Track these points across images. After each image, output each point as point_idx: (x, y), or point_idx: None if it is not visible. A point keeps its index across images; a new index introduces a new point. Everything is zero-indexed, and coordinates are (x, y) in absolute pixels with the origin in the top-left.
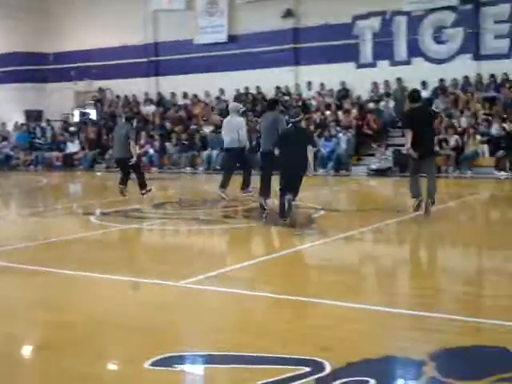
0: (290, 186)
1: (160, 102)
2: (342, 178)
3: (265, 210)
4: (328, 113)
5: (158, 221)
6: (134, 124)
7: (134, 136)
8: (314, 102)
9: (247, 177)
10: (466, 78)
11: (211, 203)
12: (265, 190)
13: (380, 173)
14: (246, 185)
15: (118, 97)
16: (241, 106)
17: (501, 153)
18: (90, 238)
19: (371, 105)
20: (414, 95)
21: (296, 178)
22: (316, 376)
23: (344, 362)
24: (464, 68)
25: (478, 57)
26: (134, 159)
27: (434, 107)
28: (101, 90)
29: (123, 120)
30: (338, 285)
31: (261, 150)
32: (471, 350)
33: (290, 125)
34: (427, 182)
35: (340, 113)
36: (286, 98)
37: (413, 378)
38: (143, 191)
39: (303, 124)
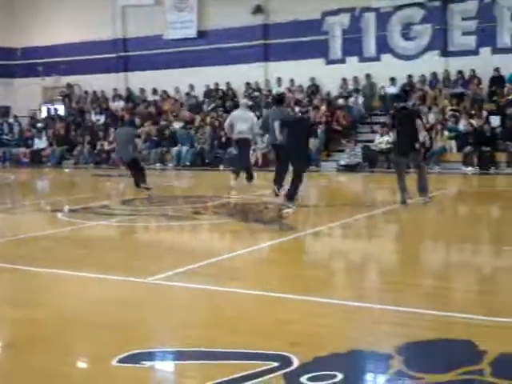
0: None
1: (129, 97)
2: (312, 174)
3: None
4: (297, 109)
5: (127, 217)
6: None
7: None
8: None
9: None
10: (434, 74)
11: (181, 199)
12: (279, 180)
13: (349, 168)
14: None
15: (86, 92)
16: (250, 102)
17: (468, 148)
18: (58, 234)
19: (340, 101)
20: (401, 95)
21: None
22: (284, 371)
23: (312, 356)
24: (432, 64)
25: (445, 53)
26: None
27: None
28: (69, 86)
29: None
30: (307, 280)
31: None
32: (438, 343)
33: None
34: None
35: (310, 109)
36: (256, 93)
37: (380, 371)
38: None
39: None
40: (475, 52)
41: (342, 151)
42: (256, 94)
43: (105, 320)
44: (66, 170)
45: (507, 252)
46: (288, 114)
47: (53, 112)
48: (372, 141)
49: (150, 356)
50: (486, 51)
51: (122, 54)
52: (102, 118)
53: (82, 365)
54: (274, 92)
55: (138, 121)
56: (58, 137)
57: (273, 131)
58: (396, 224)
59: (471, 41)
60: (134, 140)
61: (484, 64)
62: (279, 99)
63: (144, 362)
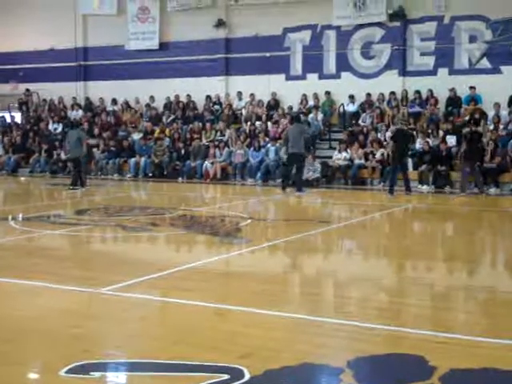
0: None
1: (88, 107)
2: (271, 188)
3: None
4: (258, 123)
5: (82, 227)
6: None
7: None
8: (244, 112)
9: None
10: (393, 93)
11: (138, 210)
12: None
13: (308, 183)
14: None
15: (44, 100)
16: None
17: (424, 167)
18: (10, 243)
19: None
20: (295, 117)
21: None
22: (235, 383)
23: (263, 369)
24: (391, 83)
25: (404, 73)
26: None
27: (360, 121)
28: (27, 94)
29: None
30: (261, 293)
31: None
32: (389, 358)
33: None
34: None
35: (269, 123)
36: (217, 107)
37: None
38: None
39: None
40: (433, 72)
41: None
42: (217, 107)
43: (54, 330)
44: (22, 178)
45: (458, 269)
46: (305, 130)
47: (9, 119)
48: (330, 157)
49: (99, 367)
50: (443, 72)
51: (83, 62)
52: (60, 127)
53: (29, 375)
54: (235, 105)
55: (96, 130)
56: (14, 144)
57: (292, 143)
58: (350, 239)
59: (429, 61)
60: (80, 141)
61: (441, 84)
62: (297, 117)
63: (93, 373)
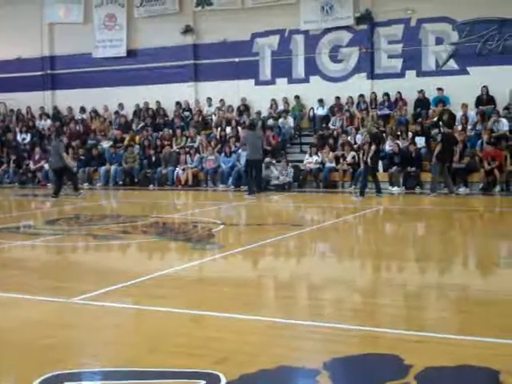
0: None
1: (56, 116)
2: (242, 194)
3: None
4: (228, 129)
5: (52, 237)
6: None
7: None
8: (214, 118)
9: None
10: (362, 96)
11: (108, 219)
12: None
13: (280, 188)
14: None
15: (11, 110)
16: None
17: (394, 169)
18: None
19: (270, 121)
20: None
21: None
22: None
23: (239, 373)
24: (359, 86)
25: (372, 76)
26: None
27: (330, 124)
28: None
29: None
30: (234, 298)
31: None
32: (365, 358)
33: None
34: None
35: (240, 129)
36: (187, 113)
37: None
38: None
39: None
40: (401, 75)
41: (268, 169)
42: (186, 113)
43: (27, 341)
44: None
45: (431, 268)
46: (260, 135)
47: None
48: (301, 161)
49: (73, 377)
50: (411, 74)
51: (50, 71)
52: (28, 137)
53: None
54: (205, 111)
55: (65, 139)
56: None
57: (251, 149)
58: (324, 242)
59: (397, 63)
60: (60, 152)
61: (409, 86)
62: (251, 124)
63: (67, 383)
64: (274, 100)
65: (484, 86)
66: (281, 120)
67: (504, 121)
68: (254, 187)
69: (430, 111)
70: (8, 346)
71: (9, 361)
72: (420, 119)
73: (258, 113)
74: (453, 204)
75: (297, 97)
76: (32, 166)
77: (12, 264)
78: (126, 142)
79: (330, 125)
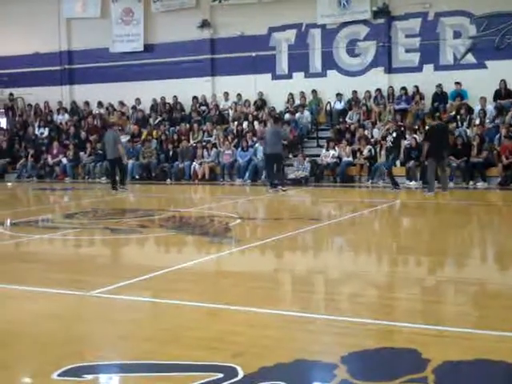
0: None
1: (74, 110)
2: (259, 188)
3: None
4: (245, 123)
5: (71, 230)
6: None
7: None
8: (231, 113)
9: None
10: (379, 90)
11: (127, 212)
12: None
13: (297, 182)
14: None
15: (29, 105)
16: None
17: (412, 163)
18: None
19: (287, 116)
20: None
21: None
22: (228, 382)
23: (257, 366)
24: (377, 81)
25: (390, 70)
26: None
27: (347, 118)
28: (12, 99)
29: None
30: (252, 291)
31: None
32: (382, 352)
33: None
34: None
35: (256, 123)
36: (204, 108)
37: (325, 381)
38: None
39: None
40: (418, 69)
41: (289, 165)
42: (203, 108)
43: (46, 333)
44: (8, 184)
45: (449, 262)
46: (281, 131)
47: None
48: (318, 155)
49: (91, 369)
50: (428, 68)
51: (67, 66)
52: (46, 131)
53: (22, 379)
54: (222, 106)
55: (83, 134)
56: (0, 150)
57: (269, 143)
58: (340, 236)
59: (414, 58)
60: (117, 142)
61: (427, 81)
62: (275, 118)
63: (85, 376)
64: (290, 94)
65: (502, 80)
66: (298, 114)
67: None
68: (277, 181)
69: (448, 105)
70: (26, 338)
71: (27, 353)
72: (438, 113)
73: (272, 109)
74: (470, 198)
75: (314, 91)
76: (50, 160)
77: (30, 257)
78: (143, 137)
79: (347, 119)
